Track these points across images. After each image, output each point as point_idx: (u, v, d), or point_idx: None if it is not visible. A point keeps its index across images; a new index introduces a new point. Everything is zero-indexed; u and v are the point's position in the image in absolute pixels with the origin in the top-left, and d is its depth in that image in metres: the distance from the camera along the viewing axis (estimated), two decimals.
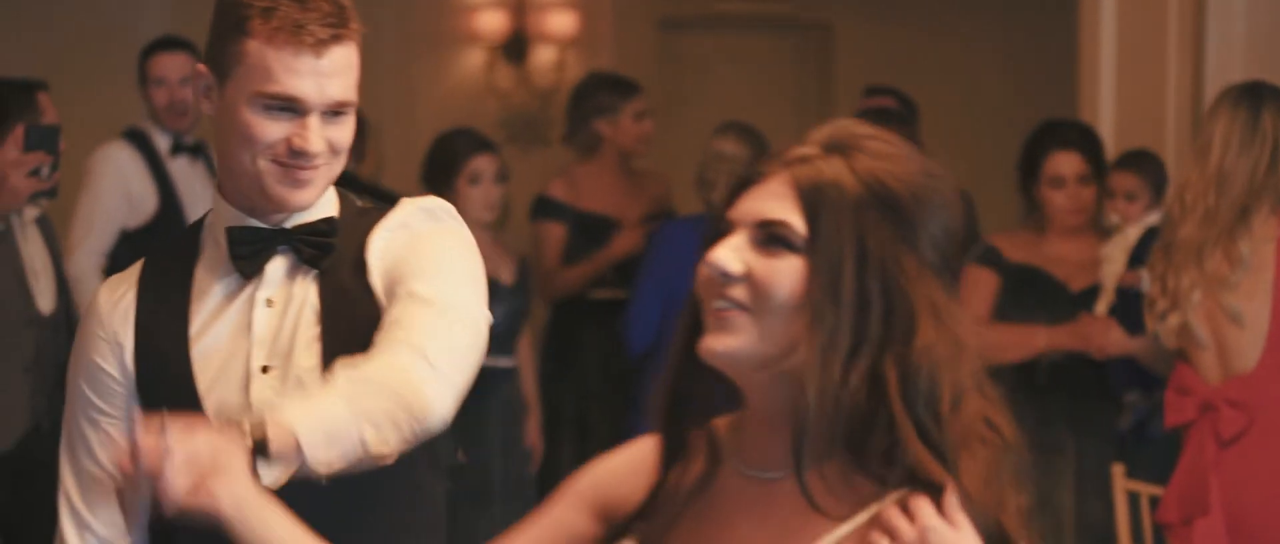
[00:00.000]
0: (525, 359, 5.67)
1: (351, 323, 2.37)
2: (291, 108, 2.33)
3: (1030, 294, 4.88)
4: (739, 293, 1.74)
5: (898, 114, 6.01)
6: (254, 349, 2.40)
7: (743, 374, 1.76)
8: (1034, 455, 5.05)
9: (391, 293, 2.34)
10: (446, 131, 5.63)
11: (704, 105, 8.16)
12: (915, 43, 8.66)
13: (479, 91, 8.37)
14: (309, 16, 2.32)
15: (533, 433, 5.67)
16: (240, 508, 1.84)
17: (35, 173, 4.36)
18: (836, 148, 1.76)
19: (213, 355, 2.39)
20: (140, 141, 5.48)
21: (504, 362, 5.45)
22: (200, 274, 2.45)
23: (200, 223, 2.52)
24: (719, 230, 1.78)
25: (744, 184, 1.78)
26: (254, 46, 2.32)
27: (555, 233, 5.99)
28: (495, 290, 5.38)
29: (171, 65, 5.42)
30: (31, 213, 4.65)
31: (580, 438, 5.93)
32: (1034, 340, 4.80)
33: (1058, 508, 4.82)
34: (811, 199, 1.74)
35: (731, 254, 1.75)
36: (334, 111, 2.37)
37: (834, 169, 1.74)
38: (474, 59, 8.49)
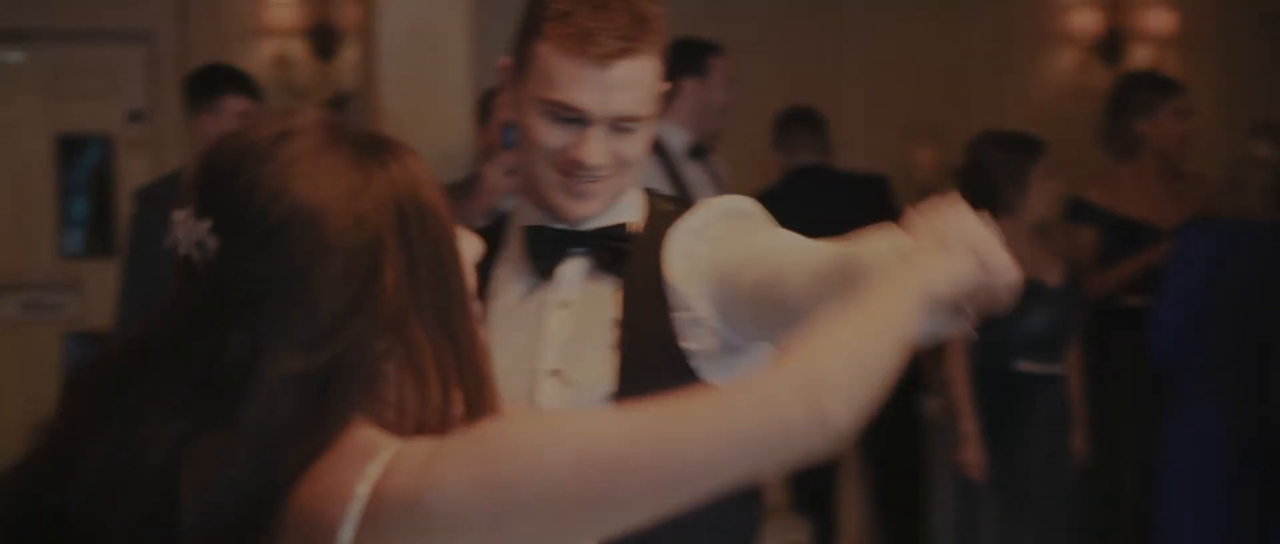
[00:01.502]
0: (1073, 367, 5.50)
1: (647, 333, 2.28)
2: (576, 118, 2.26)
3: None
4: None
5: None
6: (545, 351, 2.32)
7: None
8: None
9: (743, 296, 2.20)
10: (979, 136, 5.47)
11: None
12: None
13: (1071, 93, 8.17)
14: (602, 26, 2.22)
15: (1079, 443, 5.50)
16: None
17: (512, 171, 4.44)
18: None
19: (502, 353, 2.19)
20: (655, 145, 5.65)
21: (1047, 368, 5.34)
22: (500, 270, 2.40)
23: (506, 217, 2.47)
24: None
25: None
26: (544, 51, 2.25)
27: (1087, 236, 5.81)
28: (1039, 292, 5.31)
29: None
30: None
31: (1110, 449, 5.71)
32: None
33: None
34: None
35: None
36: (621, 125, 2.28)
37: None
38: (1067, 59, 8.29)
